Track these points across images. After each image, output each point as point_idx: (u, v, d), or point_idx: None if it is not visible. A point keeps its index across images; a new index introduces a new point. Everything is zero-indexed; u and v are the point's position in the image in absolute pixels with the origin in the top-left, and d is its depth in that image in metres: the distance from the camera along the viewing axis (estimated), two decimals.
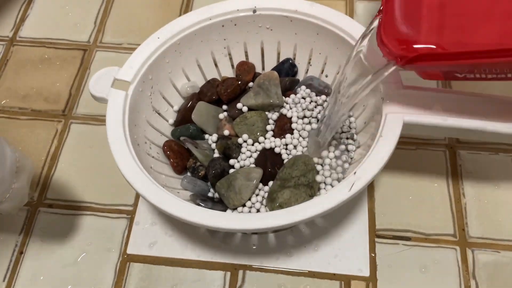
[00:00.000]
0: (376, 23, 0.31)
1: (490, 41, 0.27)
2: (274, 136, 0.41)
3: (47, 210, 0.42)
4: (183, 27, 0.40)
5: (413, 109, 0.34)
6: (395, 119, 0.33)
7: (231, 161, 0.39)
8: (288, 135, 0.40)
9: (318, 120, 0.40)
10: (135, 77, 0.38)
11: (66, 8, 0.55)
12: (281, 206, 0.36)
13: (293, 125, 0.40)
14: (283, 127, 0.40)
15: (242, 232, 0.40)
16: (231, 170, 0.39)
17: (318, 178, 0.37)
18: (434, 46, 0.28)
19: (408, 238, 0.40)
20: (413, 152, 0.44)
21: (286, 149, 0.40)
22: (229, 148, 0.40)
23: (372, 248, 0.40)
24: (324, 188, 0.37)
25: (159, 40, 0.40)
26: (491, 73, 0.29)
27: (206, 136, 0.42)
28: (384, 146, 0.32)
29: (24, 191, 0.32)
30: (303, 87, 0.43)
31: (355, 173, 0.31)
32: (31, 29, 0.54)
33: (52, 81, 0.50)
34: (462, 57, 0.28)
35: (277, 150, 0.39)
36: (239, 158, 0.40)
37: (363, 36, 0.32)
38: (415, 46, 0.29)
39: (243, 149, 0.40)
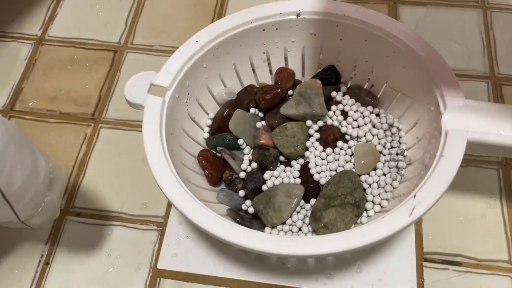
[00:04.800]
0: None
1: None
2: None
3: (74, 219, 0.41)
4: (222, 30, 0.38)
5: (476, 125, 0.31)
6: (458, 137, 0.30)
7: (266, 175, 0.37)
8: (329, 149, 0.37)
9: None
10: (173, 82, 0.36)
11: (97, 7, 0.53)
12: (326, 227, 0.33)
13: (347, 137, 0.38)
14: (327, 139, 0.38)
15: (296, 258, 0.37)
16: (268, 183, 0.37)
17: (368, 197, 0.34)
18: None
19: (458, 263, 0.37)
20: (463, 169, 0.41)
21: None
22: (266, 160, 0.38)
23: (420, 273, 0.37)
24: (373, 208, 0.34)
25: (197, 44, 0.37)
26: None
27: (241, 141, 0.39)
28: (447, 167, 0.29)
29: (56, 204, 0.30)
30: (347, 96, 0.40)
31: (415, 196, 0.28)
32: (60, 29, 0.52)
33: (81, 83, 0.48)
34: None
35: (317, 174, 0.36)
36: (282, 174, 0.37)
37: None
38: None
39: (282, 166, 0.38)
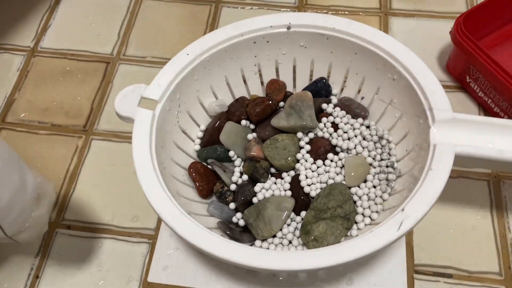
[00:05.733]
0: None
1: None
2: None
3: (65, 231, 0.40)
4: (213, 43, 0.38)
5: (465, 139, 0.31)
6: (446, 151, 0.30)
7: (257, 187, 0.37)
8: (319, 161, 0.37)
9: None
10: (163, 95, 0.36)
11: (90, 19, 0.54)
12: (316, 240, 0.33)
13: (338, 149, 0.38)
14: (317, 151, 0.38)
15: (288, 273, 0.37)
16: (259, 195, 0.37)
17: (358, 209, 0.34)
18: None
19: (449, 276, 0.37)
20: (454, 181, 0.41)
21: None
22: (257, 172, 0.38)
23: (411, 285, 0.37)
24: (363, 221, 0.34)
25: (188, 56, 0.38)
26: None
27: (232, 153, 0.39)
28: (435, 181, 0.29)
29: (44, 219, 0.30)
30: (338, 108, 0.40)
31: (403, 210, 0.28)
32: (52, 40, 0.52)
33: (73, 95, 0.48)
34: None
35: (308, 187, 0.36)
36: (272, 186, 0.37)
37: None
38: None
39: (273, 178, 0.38)
